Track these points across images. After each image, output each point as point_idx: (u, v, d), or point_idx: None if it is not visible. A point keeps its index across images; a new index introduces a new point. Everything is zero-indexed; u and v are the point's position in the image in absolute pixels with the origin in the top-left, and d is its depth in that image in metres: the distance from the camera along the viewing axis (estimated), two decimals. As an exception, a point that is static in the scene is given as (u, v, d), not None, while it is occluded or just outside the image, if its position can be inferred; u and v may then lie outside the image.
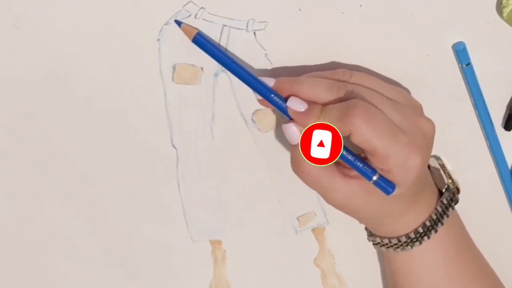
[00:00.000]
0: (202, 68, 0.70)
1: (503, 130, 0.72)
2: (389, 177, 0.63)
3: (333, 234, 0.74)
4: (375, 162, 0.63)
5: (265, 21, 0.68)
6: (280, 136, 0.71)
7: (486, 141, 0.72)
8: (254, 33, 0.69)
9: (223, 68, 0.69)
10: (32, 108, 0.70)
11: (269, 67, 0.70)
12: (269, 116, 0.71)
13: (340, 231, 0.74)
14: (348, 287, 0.76)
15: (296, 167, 0.64)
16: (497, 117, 0.71)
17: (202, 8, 0.68)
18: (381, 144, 0.62)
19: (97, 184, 0.72)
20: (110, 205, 0.72)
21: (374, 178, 0.63)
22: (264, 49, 0.69)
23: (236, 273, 0.75)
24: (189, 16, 0.68)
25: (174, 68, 0.69)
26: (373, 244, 0.70)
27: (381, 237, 0.69)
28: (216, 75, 0.70)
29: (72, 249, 0.73)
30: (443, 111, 0.71)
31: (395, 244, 0.68)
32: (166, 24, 0.68)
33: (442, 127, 0.71)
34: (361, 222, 0.69)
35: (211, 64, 0.69)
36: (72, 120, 0.70)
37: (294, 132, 0.64)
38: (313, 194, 0.73)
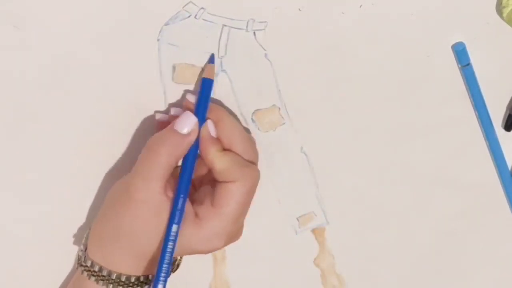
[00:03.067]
0: (202, 68, 0.70)
1: (503, 130, 0.72)
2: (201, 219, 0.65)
3: (333, 234, 0.74)
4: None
5: (265, 21, 0.68)
6: (280, 136, 0.71)
7: (486, 141, 0.72)
8: (254, 33, 0.69)
9: (223, 68, 0.69)
10: (32, 108, 0.70)
11: (269, 67, 0.70)
12: (269, 116, 0.71)
13: (340, 231, 0.74)
14: (348, 287, 0.76)
15: (160, 142, 0.64)
16: (497, 117, 0.71)
17: (202, 8, 0.68)
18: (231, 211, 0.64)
19: (97, 184, 0.72)
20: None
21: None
22: (264, 49, 0.69)
23: (236, 273, 0.75)
24: (189, 16, 0.68)
25: (174, 68, 0.69)
26: (82, 268, 0.66)
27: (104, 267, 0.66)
28: (216, 75, 0.70)
29: (72, 248, 0.73)
30: (443, 111, 0.71)
31: (118, 281, 0.65)
32: (166, 24, 0.68)
33: (442, 127, 0.71)
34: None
35: (211, 64, 0.69)
36: (72, 120, 0.70)
37: (190, 124, 0.65)
38: (313, 195, 0.73)
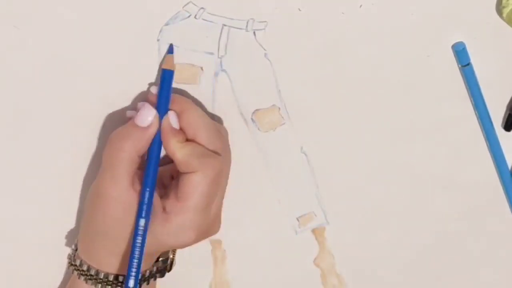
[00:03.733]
0: (202, 68, 0.70)
1: (503, 130, 0.71)
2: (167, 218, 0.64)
3: (333, 234, 0.74)
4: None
5: (265, 21, 0.68)
6: (280, 136, 0.71)
7: (486, 141, 0.72)
8: (254, 33, 0.69)
9: (223, 68, 0.69)
10: (31, 108, 0.70)
11: (269, 67, 0.70)
12: (269, 116, 0.71)
13: (340, 231, 0.74)
14: (348, 287, 0.76)
15: (122, 137, 0.64)
16: (497, 117, 0.71)
17: (202, 8, 0.68)
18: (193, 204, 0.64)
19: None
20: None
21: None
22: (264, 49, 0.69)
23: (236, 273, 0.75)
24: (189, 16, 0.68)
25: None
26: (73, 267, 0.67)
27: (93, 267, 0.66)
28: (216, 74, 0.70)
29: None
30: (443, 111, 0.71)
31: (106, 280, 0.65)
32: (166, 24, 0.68)
33: (442, 127, 0.71)
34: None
35: (211, 64, 0.69)
36: (72, 120, 0.70)
37: (150, 116, 0.64)
38: (313, 195, 0.73)
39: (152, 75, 0.69)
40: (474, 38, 0.69)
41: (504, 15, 0.68)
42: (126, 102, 0.70)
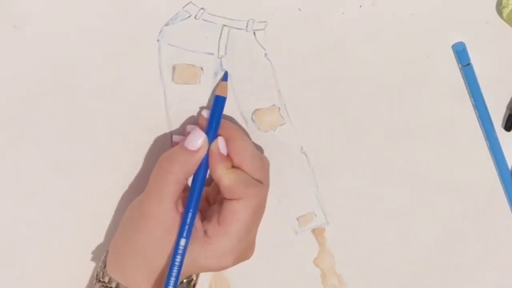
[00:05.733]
0: (202, 68, 0.70)
1: (503, 130, 0.72)
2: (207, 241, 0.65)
3: (333, 234, 0.74)
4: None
5: (265, 21, 0.68)
6: (280, 136, 0.71)
7: (486, 141, 0.72)
8: (254, 33, 0.69)
9: (223, 68, 0.69)
10: (32, 108, 0.70)
11: (269, 67, 0.70)
12: (268, 115, 0.71)
13: (340, 231, 0.74)
14: (348, 287, 0.76)
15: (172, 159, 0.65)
16: (497, 117, 0.71)
17: (202, 8, 0.68)
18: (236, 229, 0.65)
19: (97, 184, 0.72)
20: (110, 205, 0.72)
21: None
22: (264, 49, 0.69)
23: (236, 273, 0.75)
24: (189, 17, 0.68)
25: (174, 68, 0.69)
26: (100, 284, 0.67)
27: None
28: (216, 74, 0.70)
29: (72, 248, 0.73)
30: (443, 111, 0.71)
31: None
32: (166, 25, 0.68)
33: (442, 127, 0.71)
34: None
35: (211, 64, 0.69)
36: (72, 120, 0.70)
37: (199, 141, 0.66)
38: (313, 195, 0.73)
39: (152, 75, 0.69)
40: (474, 38, 0.69)
41: (504, 15, 0.68)
42: (126, 102, 0.70)
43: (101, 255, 0.70)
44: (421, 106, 0.71)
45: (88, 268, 0.73)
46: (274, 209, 0.73)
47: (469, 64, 0.69)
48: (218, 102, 0.67)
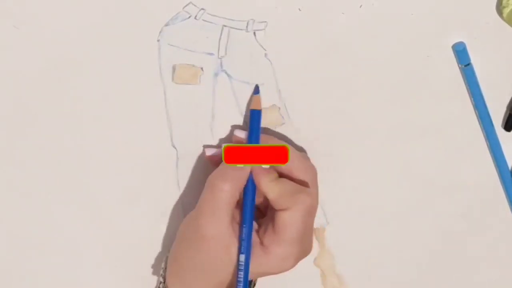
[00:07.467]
0: (202, 68, 0.70)
1: (503, 130, 0.72)
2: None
3: (333, 234, 0.74)
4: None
5: (265, 21, 0.68)
6: (280, 136, 0.71)
7: (486, 141, 0.72)
8: (254, 33, 0.69)
9: (223, 68, 0.69)
10: (32, 108, 0.70)
11: (269, 67, 0.70)
12: (269, 116, 0.71)
13: (340, 231, 0.74)
14: (348, 287, 0.76)
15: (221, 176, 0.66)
16: (497, 117, 0.71)
17: (202, 9, 0.68)
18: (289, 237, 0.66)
19: (97, 184, 0.72)
20: (109, 205, 0.72)
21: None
22: (264, 49, 0.69)
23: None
24: (189, 17, 0.68)
25: (174, 68, 0.69)
26: None
27: None
28: (216, 75, 0.70)
29: (72, 249, 0.73)
30: (443, 111, 0.71)
31: None
32: (166, 25, 0.68)
33: (442, 127, 0.71)
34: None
35: (211, 64, 0.69)
36: (72, 120, 0.70)
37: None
38: (313, 194, 0.73)
39: (152, 75, 0.69)
40: (474, 38, 0.69)
41: (504, 15, 0.68)
42: (126, 102, 0.70)
43: (102, 258, 0.70)
44: (421, 106, 0.71)
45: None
46: (274, 209, 0.73)
47: (469, 64, 0.69)
48: (254, 116, 0.68)
